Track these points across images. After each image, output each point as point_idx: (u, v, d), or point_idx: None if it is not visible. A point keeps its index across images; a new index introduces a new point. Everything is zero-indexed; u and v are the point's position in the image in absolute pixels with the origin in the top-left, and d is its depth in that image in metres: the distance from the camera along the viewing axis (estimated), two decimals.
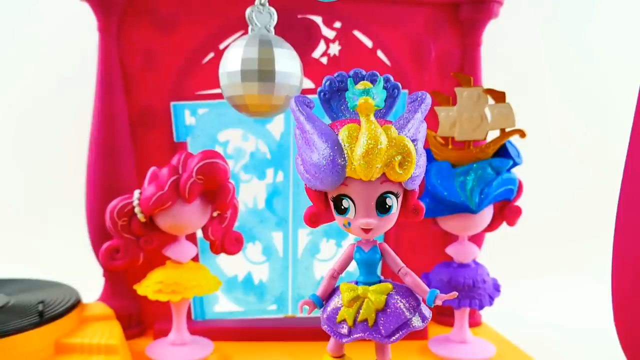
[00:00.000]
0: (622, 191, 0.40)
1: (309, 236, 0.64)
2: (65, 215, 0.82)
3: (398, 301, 0.36)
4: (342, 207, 0.35)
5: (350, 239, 0.65)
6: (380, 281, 0.37)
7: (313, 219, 0.37)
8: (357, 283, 0.38)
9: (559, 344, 0.67)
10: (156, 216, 0.52)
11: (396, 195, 0.35)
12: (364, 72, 0.37)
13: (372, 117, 0.33)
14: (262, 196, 0.64)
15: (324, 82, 0.37)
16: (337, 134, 0.34)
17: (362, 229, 0.35)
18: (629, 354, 0.40)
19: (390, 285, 0.37)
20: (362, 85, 0.34)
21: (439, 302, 0.36)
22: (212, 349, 0.55)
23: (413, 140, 0.34)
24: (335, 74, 0.37)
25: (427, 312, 0.37)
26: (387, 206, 0.35)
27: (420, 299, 0.38)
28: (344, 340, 0.37)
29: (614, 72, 1.12)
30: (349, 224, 0.35)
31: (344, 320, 0.36)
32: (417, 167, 0.35)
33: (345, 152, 0.33)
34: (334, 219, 0.37)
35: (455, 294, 0.36)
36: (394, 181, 0.34)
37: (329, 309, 0.37)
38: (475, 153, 0.54)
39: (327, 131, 0.34)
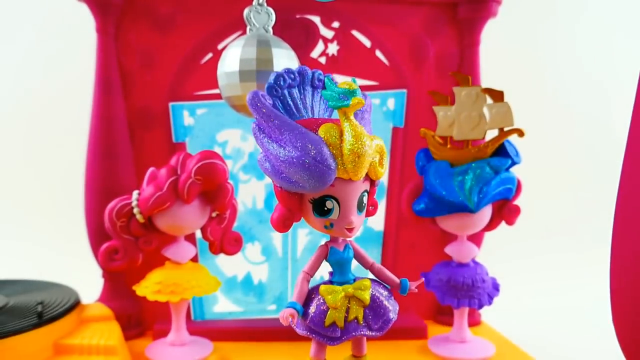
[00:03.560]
0: (621, 190, 0.40)
1: (308, 236, 0.64)
2: (64, 216, 0.82)
3: (380, 295, 0.37)
4: (326, 209, 0.34)
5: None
6: (355, 279, 0.37)
7: (286, 223, 0.35)
8: (332, 283, 0.37)
9: (558, 343, 0.67)
10: (155, 217, 0.52)
11: (367, 193, 0.36)
12: (308, 70, 0.36)
13: (352, 117, 0.33)
14: (261, 196, 0.64)
15: (274, 78, 0.34)
16: (317, 134, 0.33)
17: (346, 228, 0.34)
18: (628, 354, 0.40)
19: (368, 281, 0.37)
20: (346, 84, 0.33)
21: (413, 290, 0.38)
22: (212, 349, 0.55)
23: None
24: (284, 69, 0.35)
25: (397, 304, 0.38)
26: (363, 204, 0.35)
27: (389, 289, 0.38)
28: (334, 344, 0.36)
29: (613, 71, 1.12)
30: (332, 225, 0.34)
31: (334, 323, 0.35)
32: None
33: (334, 153, 0.33)
34: (300, 220, 0.36)
35: (422, 280, 0.39)
36: (373, 179, 0.35)
37: (311, 313, 0.36)
38: (474, 152, 0.54)
39: (308, 131, 0.33)
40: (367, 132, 0.34)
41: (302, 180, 0.33)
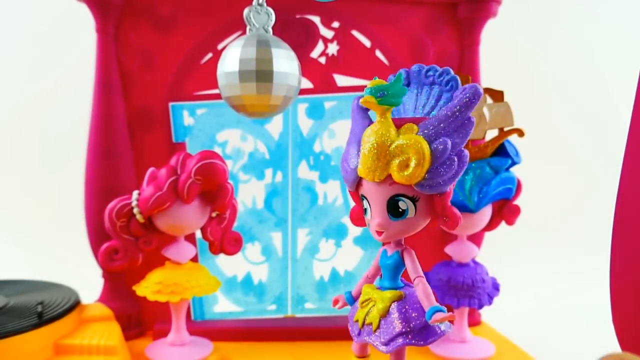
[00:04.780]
0: (620, 190, 0.40)
1: (308, 236, 0.64)
2: (64, 216, 0.82)
3: (402, 311, 0.34)
4: (364, 207, 0.35)
5: (350, 239, 0.65)
6: (398, 288, 0.36)
7: (354, 217, 0.37)
8: (380, 287, 0.37)
9: (558, 343, 0.67)
10: (155, 217, 0.51)
11: (413, 199, 0.33)
12: (423, 66, 0.36)
13: (387, 116, 0.32)
14: (261, 196, 0.64)
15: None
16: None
17: (376, 230, 0.34)
18: None
19: (402, 294, 0.35)
20: (372, 82, 0.32)
21: (435, 321, 0.32)
22: (212, 349, 0.55)
23: (434, 141, 0.31)
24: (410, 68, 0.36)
25: (440, 328, 0.34)
26: (400, 210, 0.33)
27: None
28: (356, 340, 0.37)
29: (612, 71, 1.12)
30: (369, 224, 0.35)
31: (357, 321, 0.36)
32: (435, 169, 0.31)
33: (359, 152, 0.34)
34: None
35: (453, 316, 0.32)
36: (403, 183, 0.32)
37: (353, 307, 0.38)
38: (474, 152, 0.53)
39: (357, 132, 0.34)
40: (432, 130, 0.31)
41: (344, 176, 0.36)
